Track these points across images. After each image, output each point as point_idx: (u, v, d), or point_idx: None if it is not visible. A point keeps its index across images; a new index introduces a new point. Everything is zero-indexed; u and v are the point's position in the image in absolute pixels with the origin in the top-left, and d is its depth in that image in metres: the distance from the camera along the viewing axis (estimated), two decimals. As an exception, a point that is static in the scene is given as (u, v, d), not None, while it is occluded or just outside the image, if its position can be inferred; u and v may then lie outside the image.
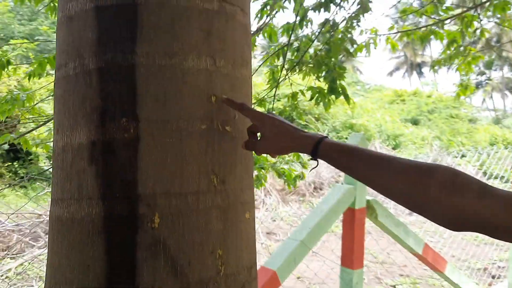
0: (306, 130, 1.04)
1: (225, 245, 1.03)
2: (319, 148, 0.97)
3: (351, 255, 2.68)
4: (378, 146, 14.62)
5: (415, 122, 22.29)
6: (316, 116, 17.05)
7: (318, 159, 0.99)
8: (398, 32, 5.08)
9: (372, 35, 4.45)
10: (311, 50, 3.90)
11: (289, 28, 3.90)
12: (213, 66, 1.03)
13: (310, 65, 3.62)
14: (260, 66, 4.57)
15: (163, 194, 0.96)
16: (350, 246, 2.68)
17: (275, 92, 4.13)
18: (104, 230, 0.96)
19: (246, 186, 1.11)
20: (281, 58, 3.98)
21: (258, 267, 1.38)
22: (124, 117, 0.96)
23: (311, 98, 3.75)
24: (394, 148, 16.97)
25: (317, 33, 3.77)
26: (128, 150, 0.96)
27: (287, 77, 4.03)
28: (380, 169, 0.88)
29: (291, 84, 4.17)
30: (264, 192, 9.89)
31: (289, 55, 4.00)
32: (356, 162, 0.93)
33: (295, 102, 4.30)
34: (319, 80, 3.80)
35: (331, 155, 0.96)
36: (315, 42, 3.91)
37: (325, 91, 3.55)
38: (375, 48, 4.47)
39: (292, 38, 4.07)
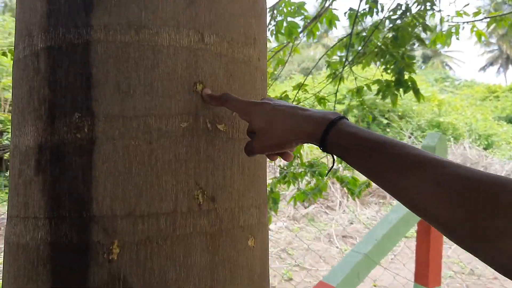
0: (316, 110, 0.72)
1: (213, 283, 0.77)
2: (329, 135, 0.66)
3: (426, 271, 2.34)
4: (467, 146, 13.55)
5: (510, 121, 20.49)
6: (399, 113, 16.16)
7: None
8: (486, 18, 4.49)
9: (454, 22, 3.96)
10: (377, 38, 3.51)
11: (354, 15, 3.54)
12: (200, 43, 0.77)
13: (373, 53, 3.24)
14: (320, 58, 4.23)
15: (125, 216, 0.72)
16: (425, 261, 2.35)
17: (337, 87, 3.79)
18: (51, 261, 0.73)
19: (249, 204, 0.84)
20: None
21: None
22: (76, 112, 0.72)
23: (378, 92, 3.37)
24: (485, 148, 15.57)
25: (384, 19, 3.37)
26: (81, 156, 0.72)
27: (350, 70, 3.67)
28: (419, 177, 0.56)
29: (355, 78, 3.80)
30: (342, 193, 9.47)
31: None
32: (381, 160, 0.60)
33: (360, 99, 3.91)
34: (387, 73, 3.41)
35: (344, 146, 0.64)
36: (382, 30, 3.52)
37: (392, 84, 3.15)
38: (457, 38, 3.97)
39: (359, 27, 3.71)
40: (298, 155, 3.56)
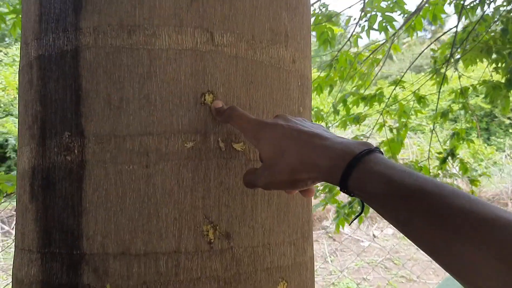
0: (343, 137, 0.53)
1: None
2: (351, 176, 0.47)
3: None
4: None
5: None
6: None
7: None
8: None
9: None
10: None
11: (460, 5, 3.16)
12: (208, 44, 0.62)
13: (477, 49, 2.84)
14: (420, 54, 3.84)
15: (118, 255, 0.60)
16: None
17: (440, 87, 3.42)
18: (42, 302, 0.63)
19: (280, 241, 0.68)
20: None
21: None
22: (66, 131, 0.62)
23: (486, 95, 2.96)
24: None
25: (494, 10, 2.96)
26: (71, 183, 0.61)
27: (455, 68, 3.29)
28: (483, 245, 0.36)
29: (459, 77, 3.40)
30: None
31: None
32: (420, 215, 0.41)
33: (464, 100, 3.49)
34: (497, 72, 2.99)
35: (370, 192, 0.46)
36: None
37: (502, 85, 2.74)
38: None
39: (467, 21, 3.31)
40: (392, 155, 3.27)
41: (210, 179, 0.62)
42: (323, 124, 3.40)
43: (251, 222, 0.64)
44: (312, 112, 3.38)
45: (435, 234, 0.38)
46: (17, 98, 0.74)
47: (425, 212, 0.40)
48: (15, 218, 0.77)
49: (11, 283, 0.75)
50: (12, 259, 0.74)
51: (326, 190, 3.03)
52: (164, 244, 0.60)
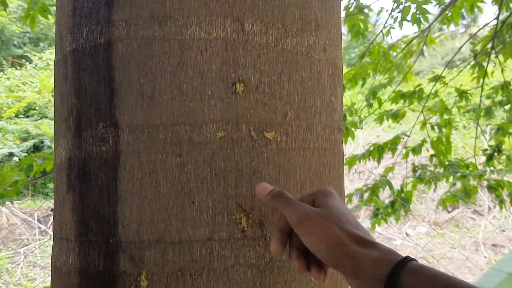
0: (377, 243, 0.53)
1: (263, 328, 0.62)
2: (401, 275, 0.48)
3: None
4: None
5: None
6: None
7: None
8: None
9: None
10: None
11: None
12: (239, 34, 0.62)
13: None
14: (462, 46, 3.76)
15: (153, 242, 0.61)
16: None
17: (483, 81, 3.33)
18: (80, 290, 0.65)
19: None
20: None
21: None
22: (101, 122, 0.63)
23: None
24: None
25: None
26: (106, 173, 0.63)
27: (498, 61, 3.19)
28: None
29: (502, 70, 3.30)
30: (491, 197, 8.53)
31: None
32: None
33: (507, 93, 3.38)
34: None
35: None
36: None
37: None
38: None
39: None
40: (435, 154, 3.20)
41: (242, 168, 0.62)
42: (356, 118, 3.35)
43: (284, 210, 0.64)
44: (345, 107, 3.36)
45: None
46: (52, 101, 0.76)
47: None
48: (52, 213, 0.79)
49: (49, 277, 0.77)
50: (50, 258, 0.76)
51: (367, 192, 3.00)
52: (198, 231, 0.60)
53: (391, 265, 0.49)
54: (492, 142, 3.31)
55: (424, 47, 3.65)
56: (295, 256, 0.57)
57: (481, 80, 3.39)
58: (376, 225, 3.03)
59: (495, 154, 3.08)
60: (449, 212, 8.18)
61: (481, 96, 3.43)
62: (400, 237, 7.33)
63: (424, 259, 6.29)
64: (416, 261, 0.50)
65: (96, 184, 0.63)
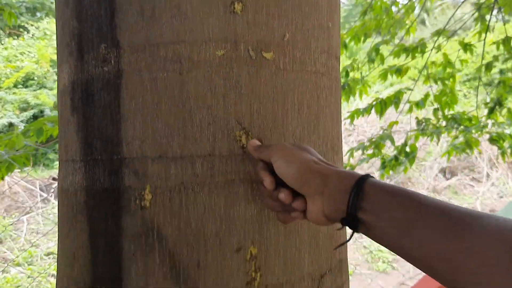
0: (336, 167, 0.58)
1: (262, 240, 0.65)
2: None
3: None
4: None
5: None
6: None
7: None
8: None
9: None
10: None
11: None
12: (237, -47, 0.63)
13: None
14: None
15: (156, 158, 0.63)
16: None
17: (485, 35, 3.30)
18: (86, 208, 0.67)
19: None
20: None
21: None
22: (102, 43, 0.65)
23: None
24: None
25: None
26: (109, 93, 0.65)
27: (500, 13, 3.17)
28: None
29: (504, 24, 3.28)
30: (490, 164, 8.55)
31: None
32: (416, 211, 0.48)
33: (508, 48, 3.36)
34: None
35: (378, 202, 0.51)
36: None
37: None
38: None
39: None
40: (439, 106, 3.20)
41: (241, 87, 0.64)
42: (358, 74, 3.36)
43: (282, 129, 0.67)
44: (347, 63, 3.34)
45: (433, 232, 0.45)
46: (51, 71, 0.78)
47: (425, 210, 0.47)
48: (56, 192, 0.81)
49: (53, 243, 0.79)
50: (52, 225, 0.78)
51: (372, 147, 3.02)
52: (199, 147, 0.63)
53: (355, 178, 0.53)
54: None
55: (425, 16, 3.61)
56: (266, 175, 0.60)
57: (483, 35, 3.37)
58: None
59: (496, 107, 3.10)
60: (447, 179, 8.24)
61: (483, 51, 3.42)
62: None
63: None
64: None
65: (99, 104, 0.65)
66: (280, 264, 0.66)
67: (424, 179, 8.29)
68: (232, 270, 0.64)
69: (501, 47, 3.27)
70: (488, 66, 3.30)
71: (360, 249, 5.33)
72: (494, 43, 3.52)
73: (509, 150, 3.09)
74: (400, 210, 0.49)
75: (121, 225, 0.64)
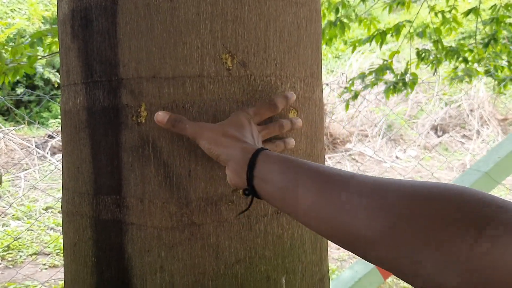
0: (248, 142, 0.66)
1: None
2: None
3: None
4: None
5: None
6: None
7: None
8: None
9: None
10: None
11: None
12: None
13: None
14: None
15: (150, 78, 0.70)
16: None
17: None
18: (88, 126, 0.75)
19: (290, 74, 0.77)
20: None
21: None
22: (99, -27, 0.70)
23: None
24: None
25: None
26: (106, 18, 0.71)
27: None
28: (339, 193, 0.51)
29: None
30: (481, 122, 8.65)
31: None
32: (299, 183, 0.55)
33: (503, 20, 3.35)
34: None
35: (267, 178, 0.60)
36: None
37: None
38: None
39: None
40: (437, 37, 3.25)
41: (227, 13, 0.70)
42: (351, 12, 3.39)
43: (264, 54, 0.74)
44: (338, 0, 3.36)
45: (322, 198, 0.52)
46: (42, 27, 0.83)
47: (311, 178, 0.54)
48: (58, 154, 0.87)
49: (50, 197, 0.86)
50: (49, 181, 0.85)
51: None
52: (189, 69, 0.70)
53: (252, 152, 0.62)
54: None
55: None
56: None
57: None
58: (367, 149, 3.18)
59: (491, 42, 3.15)
60: (438, 136, 8.37)
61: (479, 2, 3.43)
62: (390, 160, 7.56)
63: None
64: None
65: (97, 30, 0.72)
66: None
67: (416, 136, 8.41)
68: (219, 179, 0.72)
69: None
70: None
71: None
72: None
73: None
74: (280, 173, 0.57)
75: (120, 140, 0.71)
